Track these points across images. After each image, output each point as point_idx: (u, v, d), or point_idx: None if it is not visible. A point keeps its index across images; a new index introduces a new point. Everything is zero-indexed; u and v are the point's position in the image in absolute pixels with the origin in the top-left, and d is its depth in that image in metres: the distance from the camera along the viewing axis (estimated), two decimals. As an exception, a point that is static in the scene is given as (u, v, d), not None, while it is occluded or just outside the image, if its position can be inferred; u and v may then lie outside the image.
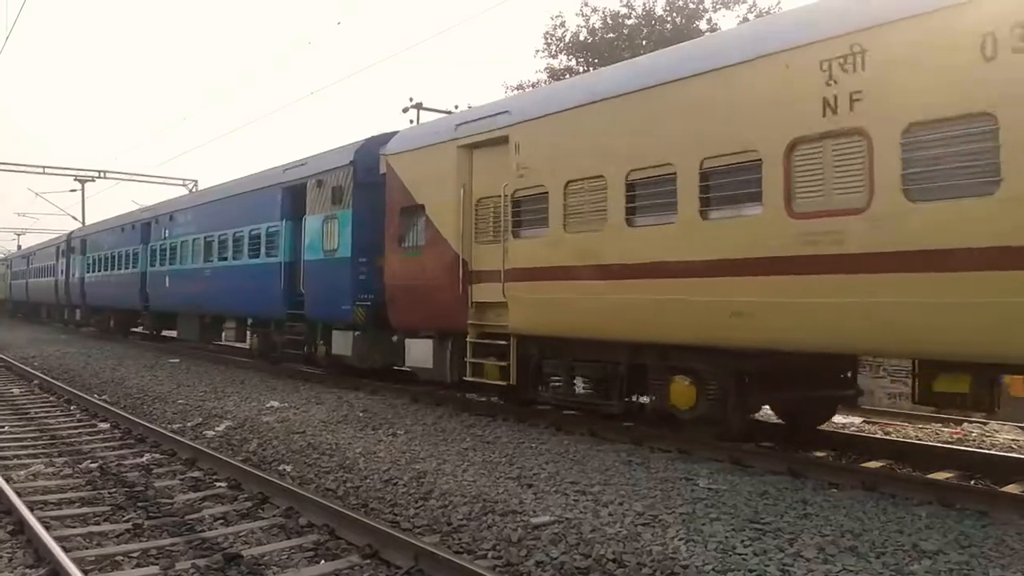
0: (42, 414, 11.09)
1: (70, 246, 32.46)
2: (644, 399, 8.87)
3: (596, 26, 30.47)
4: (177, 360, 18.71)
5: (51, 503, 6.39)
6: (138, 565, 4.96)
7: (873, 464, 7.39)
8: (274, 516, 5.96)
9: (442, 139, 10.72)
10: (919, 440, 8.88)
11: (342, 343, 13.29)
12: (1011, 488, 6.50)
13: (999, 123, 5.47)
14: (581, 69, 29.10)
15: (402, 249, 11.42)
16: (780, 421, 9.23)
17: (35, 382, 14.62)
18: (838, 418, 10.70)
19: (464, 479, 6.83)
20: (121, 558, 5.06)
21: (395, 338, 12.05)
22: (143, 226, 23.59)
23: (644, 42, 27.97)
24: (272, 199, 15.64)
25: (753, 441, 8.18)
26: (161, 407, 11.52)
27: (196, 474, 7.37)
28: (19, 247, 60.89)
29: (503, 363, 9.65)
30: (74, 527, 5.71)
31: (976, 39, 5.55)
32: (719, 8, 29.37)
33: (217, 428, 9.71)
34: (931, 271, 5.80)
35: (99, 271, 28.02)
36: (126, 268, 24.71)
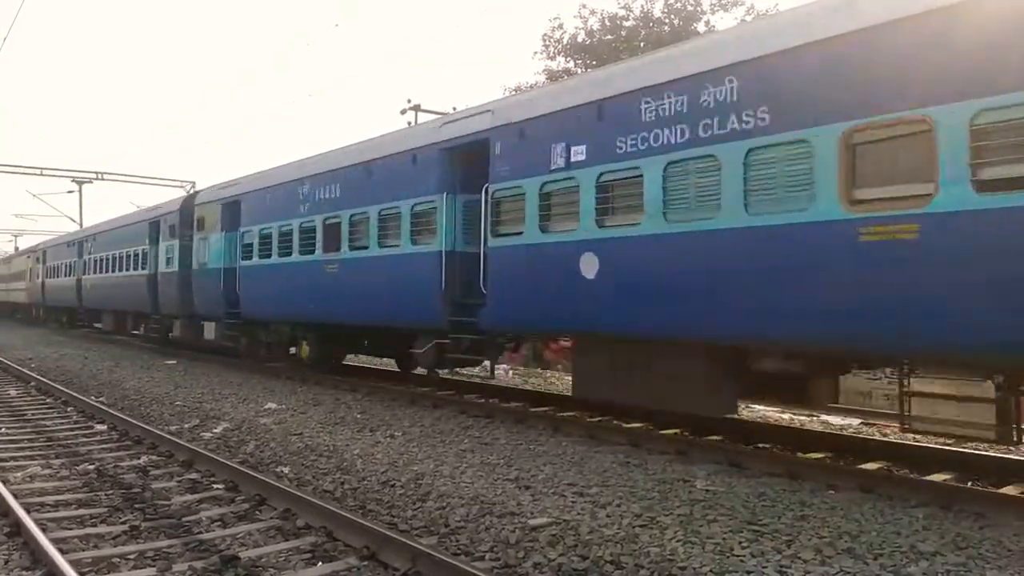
0: (39, 416, 11.06)
1: (188, 219, 19.42)
2: None
3: (594, 28, 30.56)
4: (174, 362, 18.67)
5: (48, 505, 6.37)
6: (135, 567, 4.94)
7: (871, 466, 7.39)
8: (271, 518, 5.95)
9: None
10: (916, 442, 8.88)
11: None
12: (1008, 490, 6.50)
13: None
14: (579, 71, 29.13)
15: None
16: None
17: (32, 384, 14.58)
18: (835, 420, 10.71)
19: (462, 481, 6.83)
20: (118, 560, 5.05)
21: None
22: (442, 158, 11.04)
23: (642, 44, 28.01)
24: None
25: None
26: (158, 409, 11.50)
27: (193, 476, 7.36)
28: (16, 248, 60.59)
29: None
30: (71, 529, 5.70)
31: None
32: (717, 10, 29.47)
33: (214, 430, 9.69)
34: None
35: (278, 255, 15.13)
36: (386, 246, 12.08)
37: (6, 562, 5.05)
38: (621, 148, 8.25)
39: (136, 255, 23.16)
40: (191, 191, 38.34)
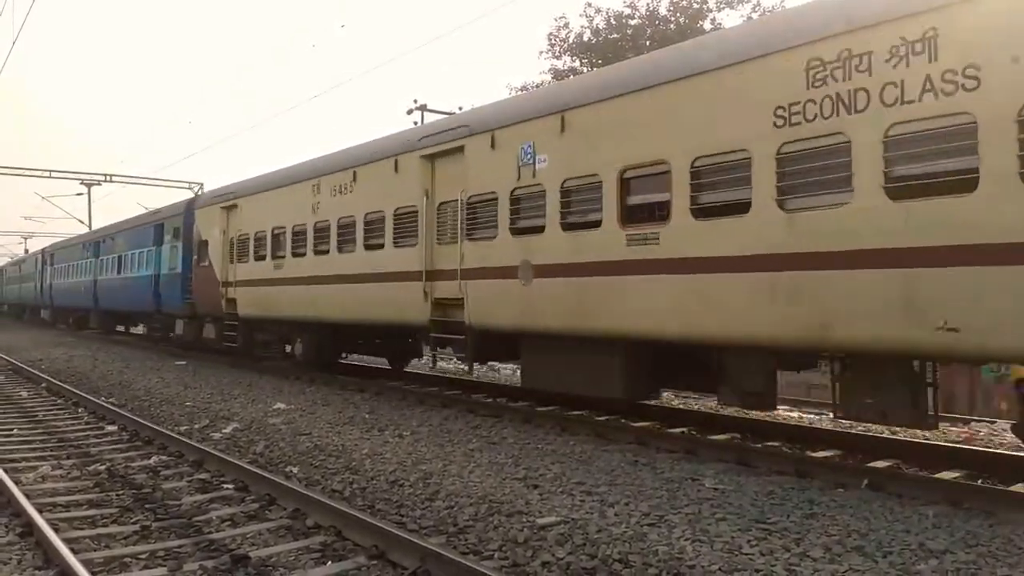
0: (50, 417, 11.14)
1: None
2: None
3: (600, 27, 30.55)
4: (184, 363, 18.75)
5: (60, 505, 6.42)
6: (146, 567, 4.98)
7: (880, 463, 7.37)
8: (281, 517, 5.98)
9: None
10: (926, 439, 8.85)
11: None
12: (1018, 487, 6.47)
13: None
14: (585, 70, 29.10)
15: None
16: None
17: (43, 385, 14.68)
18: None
19: (470, 480, 6.84)
20: (129, 560, 5.08)
21: None
22: None
23: (648, 42, 27.97)
24: None
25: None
26: (168, 409, 11.56)
27: (203, 476, 7.40)
28: (26, 251, 60.97)
29: None
30: (82, 529, 5.74)
31: None
32: (723, 8, 29.40)
33: (224, 430, 9.74)
34: None
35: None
36: None
37: (19, 562, 5.09)
38: None
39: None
40: (198, 192, 38.49)
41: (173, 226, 21.22)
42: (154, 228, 22.74)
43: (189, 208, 20.26)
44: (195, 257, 19.32)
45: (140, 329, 28.37)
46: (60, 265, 35.85)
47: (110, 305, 27.83)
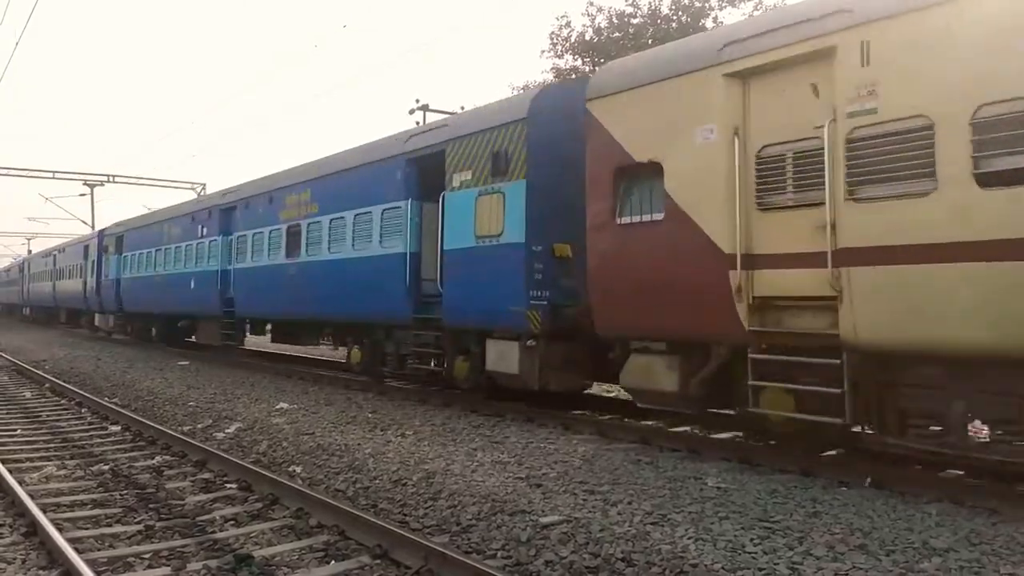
0: (54, 417, 11.17)
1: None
2: None
3: (602, 25, 30.51)
4: (187, 362, 18.78)
5: (64, 505, 6.44)
6: (150, 566, 4.99)
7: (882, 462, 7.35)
8: (284, 517, 5.99)
9: None
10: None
11: None
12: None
13: None
14: (587, 69, 29.10)
15: None
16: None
17: (46, 385, 14.71)
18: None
19: (473, 479, 6.85)
20: (133, 559, 5.10)
21: None
22: None
23: (650, 41, 27.95)
24: None
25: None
26: (171, 409, 11.58)
27: (207, 476, 7.41)
28: (29, 251, 60.94)
29: None
30: (86, 528, 5.75)
31: None
32: (725, 6, 29.36)
33: (227, 430, 9.76)
34: None
35: None
36: None
37: (23, 562, 5.11)
38: None
39: None
40: (200, 192, 38.51)
41: (491, 150, 10.34)
42: (405, 166, 12.07)
43: (552, 104, 9.99)
44: (595, 209, 8.69)
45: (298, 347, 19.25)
46: (140, 251, 24.38)
47: (265, 310, 17.26)
